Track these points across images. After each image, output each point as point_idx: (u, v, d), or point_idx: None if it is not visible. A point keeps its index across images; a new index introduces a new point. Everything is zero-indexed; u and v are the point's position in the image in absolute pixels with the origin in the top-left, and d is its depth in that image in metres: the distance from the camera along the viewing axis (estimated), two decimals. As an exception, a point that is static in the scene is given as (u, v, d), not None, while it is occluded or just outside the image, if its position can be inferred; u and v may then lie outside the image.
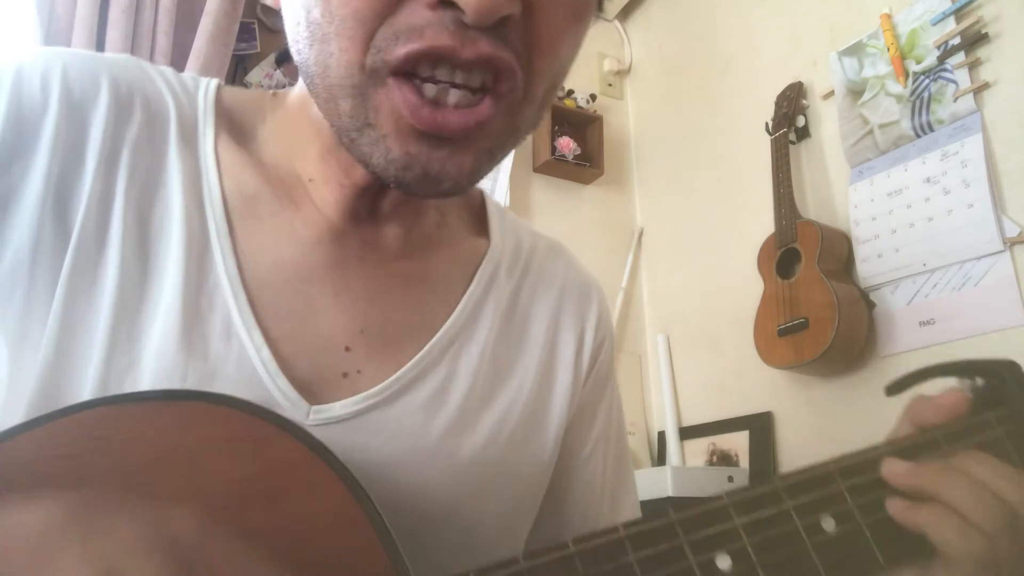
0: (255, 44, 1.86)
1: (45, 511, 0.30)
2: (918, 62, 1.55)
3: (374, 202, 0.49)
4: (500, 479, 0.51)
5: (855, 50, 1.70)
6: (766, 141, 1.82)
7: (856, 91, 1.67)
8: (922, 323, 1.49)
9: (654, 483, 1.62)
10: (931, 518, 0.41)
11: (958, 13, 1.49)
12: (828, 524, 0.40)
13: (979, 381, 0.50)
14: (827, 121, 1.76)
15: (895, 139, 1.58)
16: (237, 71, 1.86)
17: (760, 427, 1.79)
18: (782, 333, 1.64)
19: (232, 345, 0.43)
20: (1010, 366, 0.49)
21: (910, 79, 1.55)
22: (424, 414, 0.48)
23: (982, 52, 1.45)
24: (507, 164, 2.05)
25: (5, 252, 0.42)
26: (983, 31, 1.44)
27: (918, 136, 1.54)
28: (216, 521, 0.32)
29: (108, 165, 0.44)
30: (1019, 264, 1.36)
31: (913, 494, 0.42)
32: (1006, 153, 1.41)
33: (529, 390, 0.54)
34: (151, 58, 1.61)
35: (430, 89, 0.38)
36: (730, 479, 1.70)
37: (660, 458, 2.03)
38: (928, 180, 1.51)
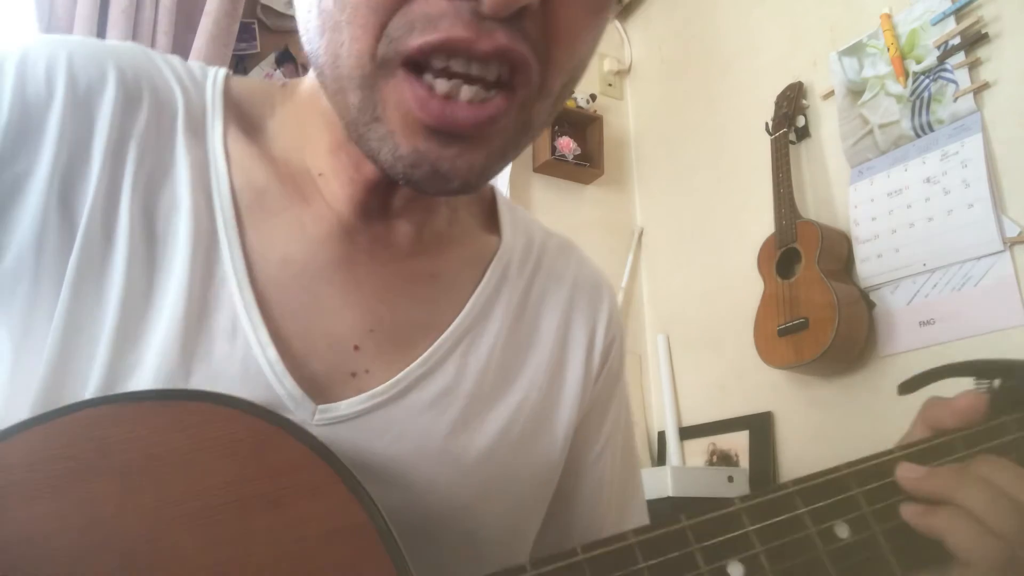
0: (255, 44, 1.86)
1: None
2: (918, 62, 1.55)
3: (385, 198, 0.48)
4: (507, 480, 0.50)
5: (855, 50, 1.69)
6: (766, 141, 1.82)
7: (856, 91, 1.67)
8: (922, 323, 1.49)
9: (654, 483, 1.62)
10: (948, 524, 0.39)
11: (958, 13, 1.49)
12: (842, 530, 0.39)
13: (995, 382, 0.48)
14: (827, 121, 1.76)
15: (895, 139, 1.58)
16: (237, 71, 1.86)
17: (760, 427, 1.79)
18: (782, 333, 1.64)
19: (237, 343, 0.42)
20: None
21: (910, 79, 1.55)
22: (431, 413, 0.47)
23: (982, 52, 1.45)
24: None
25: (9, 247, 0.41)
26: (983, 31, 1.44)
27: (918, 136, 1.54)
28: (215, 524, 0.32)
29: (115, 158, 0.43)
30: (1019, 264, 1.36)
31: (929, 499, 0.41)
32: (1006, 153, 1.41)
33: (538, 390, 0.53)
34: (151, 58, 1.60)
35: (442, 85, 0.37)
36: (730, 479, 1.69)
37: (660, 458, 2.03)
38: (928, 180, 1.51)
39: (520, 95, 0.39)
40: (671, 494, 1.60)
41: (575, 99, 2.26)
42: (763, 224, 1.80)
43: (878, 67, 1.63)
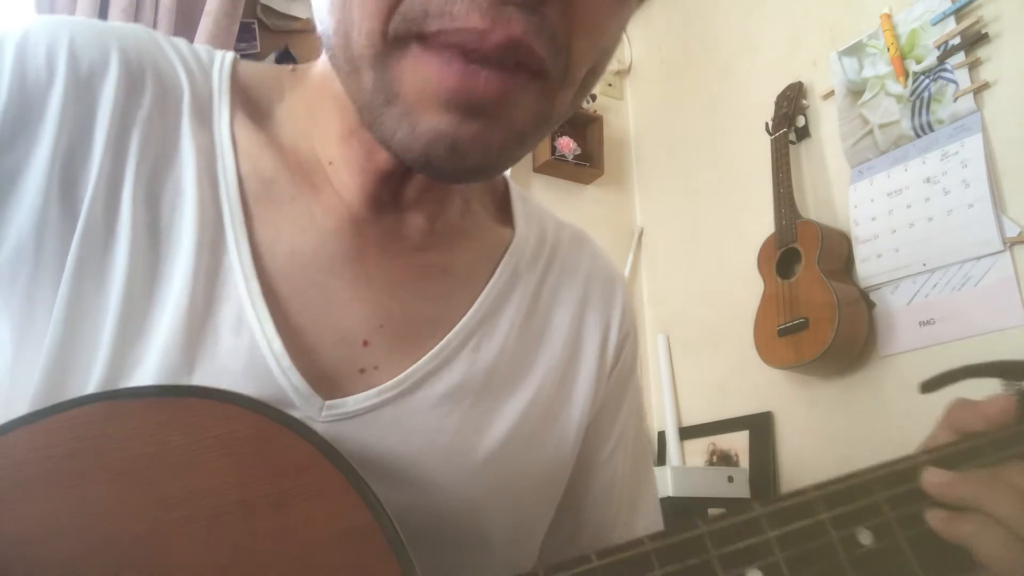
0: (255, 44, 1.86)
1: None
2: (918, 62, 1.55)
3: (397, 188, 0.46)
4: (517, 478, 0.49)
5: (855, 50, 1.69)
6: (766, 141, 1.81)
7: (856, 91, 1.67)
8: (922, 323, 1.49)
9: (654, 483, 1.62)
10: (976, 532, 0.38)
11: (958, 13, 1.49)
12: (865, 537, 0.38)
13: None
14: (827, 121, 1.76)
15: (895, 139, 1.58)
16: (237, 71, 1.86)
17: (760, 427, 1.79)
18: (782, 333, 1.64)
19: (243, 337, 0.41)
20: None
21: (910, 79, 1.55)
22: (440, 411, 0.46)
23: (982, 52, 1.45)
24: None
25: (8, 236, 0.39)
26: (983, 31, 1.44)
27: (918, 136, 1.54)
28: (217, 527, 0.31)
29: (117, 144, 0.42)
30: (1019, 264, 1.36)
31: (956, 506, 0.39)
32: (1006, 153, 1.41)
33: (550, 386, 0.52)
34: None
35: (462, 67, 0.35)
36: (730, 479, 1.69)
37: (660, 458, 2.03)
38: (928, 180, 1.51)
39: (540, 83, 0.38)
40: (671, 494, 1.60)
41: (575, 99, 2.26)
42: (763, 224, 1.80)
43: (878, 67, 1.63)
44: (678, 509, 1.57)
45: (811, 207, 1.77)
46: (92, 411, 0.33)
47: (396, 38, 0.36)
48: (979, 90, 1.45)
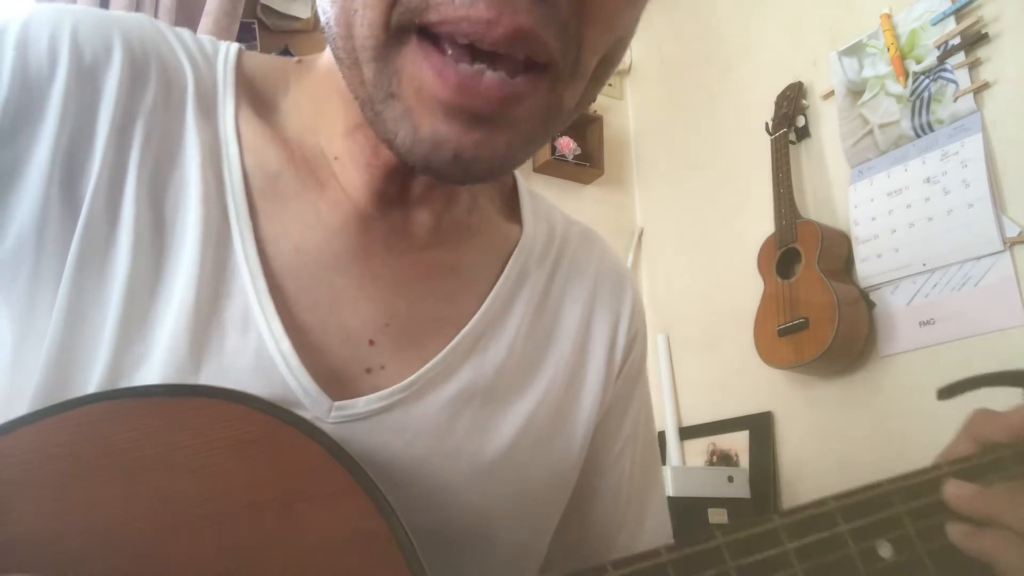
0: (255, 44, 1.86)
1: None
2: (918, 62, 1.55)
3: (404, 185, 0.45)
4: (525, 480, 0.48)
5: (855, 50, 1.69)
6: (766, 141, 1.81)
7: (856, 91, 1.67)
8: (922, 323, 1.49)
9: (654, 483, 1.62)
10: (998, 547, 0.37)
11: (958, 13, 1.49)
12: (885, 550, 0.37)
13: None
14: (827, 121, 1.76)
15: (895, 139, 1.58)
16: (237, 71, 1.86)
17: (760, 427, 1.79)
18: (782, 333, 1.64)
19: (250, 336, 0.40)
20: None
21: (910, 79, 1.55)
22: (448, 412, 0.45)
23: (982, 52, 1.45)
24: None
25: (9, 229, 0.38)
26: (983, 31, 1.44)
27: (918, 136, 1.54)
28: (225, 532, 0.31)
29: (120, 136, 0.41)
30: (1019, 264, 1.36)
31: (978, 520, 0.39)
32: (1006, 153, 1.41)
33: (558, 387, 0.51)
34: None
35: (465, 69, 0.34)
36: (730, 479, 1.69)
37: (660, 458, 2.03)
38: (928, 180, 1.51)
39: (548, 76, 0.36)
40: (671, 494, 1.59)
41: (575, 99, 2.26)
42: (763, 224, 1.80)
43: (878, 67, 1.63)
44: (678, 509, 1.57)
45: (811, 207, 1.77)
46: (98, 410, 0.32)
47: (398, 29, 0.35)
48: (979, 90, 1.45)
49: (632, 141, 2.47)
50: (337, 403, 0.42)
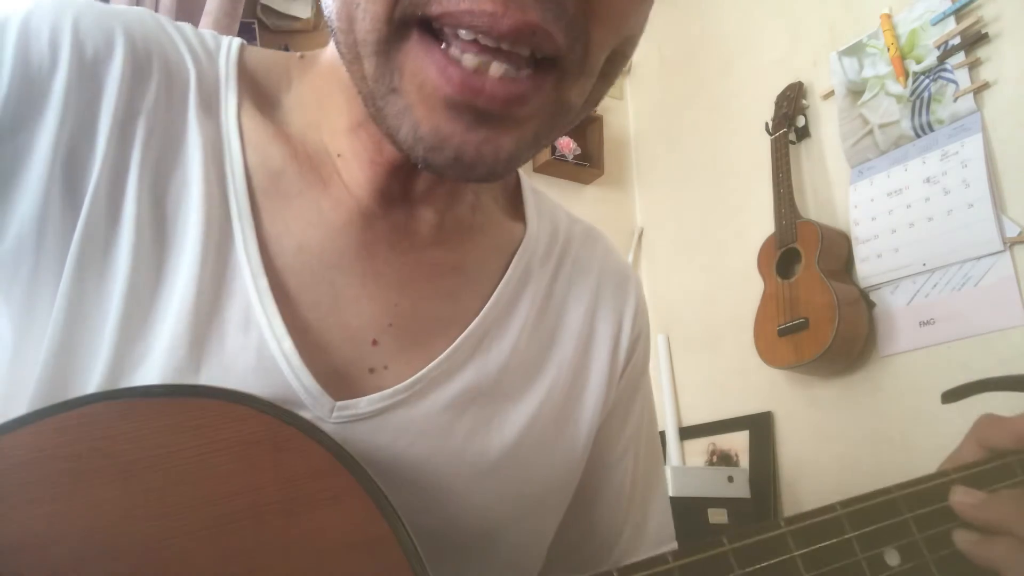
0: (255, 44, 1.86)
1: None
2: (918, 62, 1.55)
3: (407, 182, 0.45)
4: (527, 481, 0.48)
5: (855, 50, 1.69)
6: (766, 141, 1.81)
7: (856, 91, 1.67)
8: (922, 323, 1.49)
9: (654, 483, 1.62)
10: (1006, 555, 0.37)
11: (958, 13, 1.49)
12: (892, 558, 0.37)
13: None
14: (827, 121, 1.76)
15: (895, 139, 1.58)
16: (237, 71, 1.86)
17: (760, 427, 1.79)
18: (782, 333, 1.64)
19: (251, 335, 0.40)
20: None
21: (910, 79, 1.55)
22: (451, 413, 0.45)
23: (982, 52, 1.45)
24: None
25: (10, 226, 0.38)
26: (983, 31, 1.44)
27: (918, 136, 1.54)
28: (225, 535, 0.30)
29: (122, 133, 0.40)
30: (1019, 264, 1.36)
31: (986, 528, 0.38)
32: (1006, 153, 1.41)
33: (561, 387, 0.51)
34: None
35: (470, 60, 0.33)
36: (730, 479, 1.69)
37: (662, 457, 2.03)
38: (928, 180, 1.51)
39: (555, 73, 0.36)
40: (671, 494, 1.59)
41: (575, 99, 2.26)
42: (763, 224, 1.80)
43: (878, 67, 1.63)
44: (678, 509, 1.55)
45: (811, 207, 1.77)
46: (99, 410, 0.32)
47: (400, 23, 0.34)
48: (979, 90, 1.45)
49: (632, 141, 2.47)
50: (339, 403, 0.41)
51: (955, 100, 1.48)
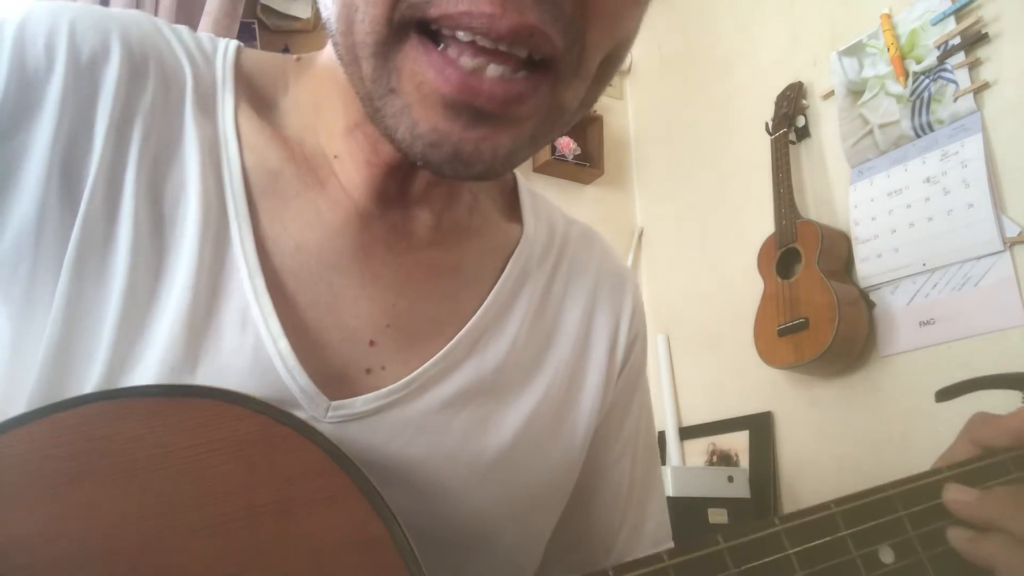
0: (255, 44, 1.86)
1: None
2: (918, 62, 1.55)
3: (404, 183, 0.45)
4: (524, 481, 0.48)
5: (855, 50, 1.69)
6: (766, 141, 1.81)
7: (856, 91, 1.67)
8: (922, 323, 1.49)
9: (654, 483, 1.62)
10: (999, 552, 0.37)
11: (958, 13, 1.48)
12: (887, 555, 0.37)
13: None
14: (827, 121, 1.76)
15: (895, 139, 1.58)
16: (237, 71, 1.86)
17: (760, 427, 1.79)
18: (782, 333, 1.64)
19: (247, 335, 0.40)
20: None
21: (910, 79, 1.55)
22: (447, 413, 0.45)
23: (982, 52, 1.45)
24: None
25: (8, 226, 0.38)
26: (983, 31, 1.44)
27: (918, 136, 1.54)
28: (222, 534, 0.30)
29: (119, 134, 0.41)
30: (1019, 264, 1.36)
31: (979, 525, 0.39)
32: (1006, 153, 1.41)
33: (558, 388, 0.51)
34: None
35: (467, 61, 0.34)
36: (730, 479, 1.69)
37: (660, 458, 2.03)
38: (928, 180, 1.51)
39: (551, 75, 0.36)
40: (671, 494, 1.59)
41: (575, 99, 2.26)
42: (763, 224, 1.80)
43: (878, 67, 1.63)
44: (678, 509, 1.57)
45: (811, 207, 1.77)
46: (95, 410, 0.32)
47: (399, 26, 0.35)
48: (979, 90, 1.45)
49: (632, 141, 2.47)
50: (335, 403, 0.41)
51: (955, 100, 1.48)
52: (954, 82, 1.48)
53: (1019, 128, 1.39)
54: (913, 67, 1.55)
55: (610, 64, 0.39)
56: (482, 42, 0.34)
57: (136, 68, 0.42)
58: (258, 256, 0.42)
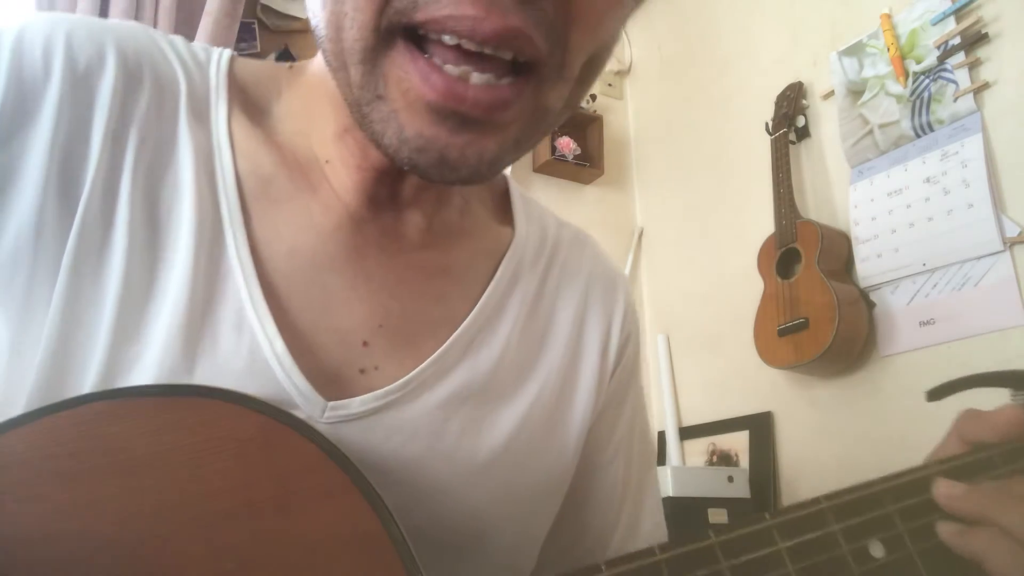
0: (255, 44, 1.86)
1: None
2: (918, 62, 1.55)
3: (394, 187, 0.46)
4: (518, 481, 0.48)
5: (855, 50, 1.69)
6: (766, 141, 1.81)
7: (856, 91, 1.67)
8: (922, 323, 1.49)
9: (654, 483, 1.62)
10: (988, 546, 0.38)
11: (958, 13, 1.48)
12: (877, 550, 0.38)
13: None
14: (827, 121, 1.76)
15: (895, 139, 1.58)
16: (237, 71, 1.86)
17: (760, 427, 1.79)
18: (782, 333, 1.64)
19: (243, 337, 0.41)
20: None
21: (910, 79, 1.55)
22: (442, 413, 0.46)
23: (982, 52, 1.45)
24: (507, 164, 2.05)
25: (7, 231, 0.39)
26: (983, 31, 1.44)
27: (918, 136, 1.54)
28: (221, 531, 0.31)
29: (115, 141, 0.42)
30: (1019, 264, 1.36)
31: (968, 519, 0.39)
32: (1006, 153, 1.41)
33: (551, 389, 0.51)
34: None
35: (452, 70, 0.35)
36: (730, 479, 1.69)
37: (660, 458, 2.03)
38: (928, 180, 1.51)
39: (534, 78, 0.37)
40: (671, 494, 1.59)
41: (575, 99, 2.26)
42: (763, 224, 1.80)
43: (878, 67, 1.63)
44: (678, 509, 1.57)
45: (811, 207, 1.77)
46: (95, 410, 0.32)
47: (387, 32, 0.35)
48: (979, 90, 1.45)
49: (632, 141, 2.47)
50: (331, 403, 0.42)
51: (955, 100, 1.48)
52: (954, 82, 1.48)
53: (1019, 128, 1.39)
54: (913, 67, 1.55)
55: (593, 66, 0.40)
56: (467, 45, 0.34)
57: (131, 77, 0.43)
58: (252, 260, 0.43)
